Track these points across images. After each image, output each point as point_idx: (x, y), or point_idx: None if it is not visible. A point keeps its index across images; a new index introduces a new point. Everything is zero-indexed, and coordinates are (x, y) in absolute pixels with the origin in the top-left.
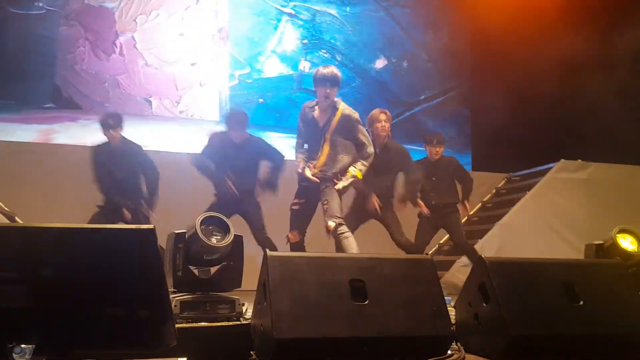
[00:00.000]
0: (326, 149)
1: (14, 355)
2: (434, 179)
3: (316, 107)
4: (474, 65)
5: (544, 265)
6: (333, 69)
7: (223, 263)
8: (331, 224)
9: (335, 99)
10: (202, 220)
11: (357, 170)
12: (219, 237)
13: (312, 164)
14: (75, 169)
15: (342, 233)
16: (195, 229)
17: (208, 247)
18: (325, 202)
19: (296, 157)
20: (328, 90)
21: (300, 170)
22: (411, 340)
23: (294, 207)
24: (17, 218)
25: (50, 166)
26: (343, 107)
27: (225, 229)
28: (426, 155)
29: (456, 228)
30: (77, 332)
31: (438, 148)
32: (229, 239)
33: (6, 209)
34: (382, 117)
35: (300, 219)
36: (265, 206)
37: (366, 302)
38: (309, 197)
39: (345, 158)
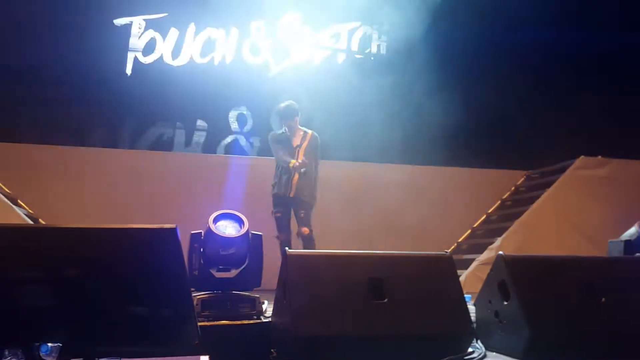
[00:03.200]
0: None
1: (41, 354)
2: None
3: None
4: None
5: (564, 263)
6: (289, 103)
7: (246, 264)
8: (306, 229)
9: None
10: (215, 217)
11: None
12: (232, 230)
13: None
14: (102, 171)
15: (314, 239)
16: (209, 224)
17: (221, 240)
18: (302, 213)
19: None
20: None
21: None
22: (431, 338)
23: (277, 215)
24: (40, 220)
25: (76, 168)
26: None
27: (240, 224)
28: None
29: None
30: (101, 331)
31: None
32: (243, 230)
33: (30, 211)
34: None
35: (285, 222)
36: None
37: (385, 300)
38: (287, 205)
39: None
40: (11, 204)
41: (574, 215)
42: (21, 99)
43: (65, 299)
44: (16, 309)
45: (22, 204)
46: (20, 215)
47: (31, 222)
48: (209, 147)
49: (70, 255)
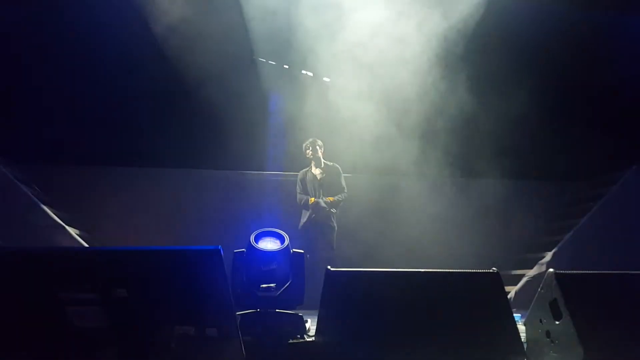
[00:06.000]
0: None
1: None
2: None
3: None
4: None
5: (619, 279)
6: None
7: (289, 282)
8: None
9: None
10: (257, 234)
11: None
12: (273, 246)
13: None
14: (153, 192)
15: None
16: (250, 241)
17: (261, 255)
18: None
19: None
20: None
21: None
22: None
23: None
24: (91, 241)
25: (126, 188)
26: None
27: (281, 241)
28: None
29: None
30: (150, 350)
31: None
32: (283, 246)
33: (81, 231)
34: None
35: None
36: None
37: (429, 319)
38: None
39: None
40: (64, 225)
41: (628, 227)
42: (66, 122)
43: (114, 320)
44: (67, 329)
45: (74, 226)
46: (72, 236)
47: (83, 242)
48: (251, 164)
49: (118, 277)
